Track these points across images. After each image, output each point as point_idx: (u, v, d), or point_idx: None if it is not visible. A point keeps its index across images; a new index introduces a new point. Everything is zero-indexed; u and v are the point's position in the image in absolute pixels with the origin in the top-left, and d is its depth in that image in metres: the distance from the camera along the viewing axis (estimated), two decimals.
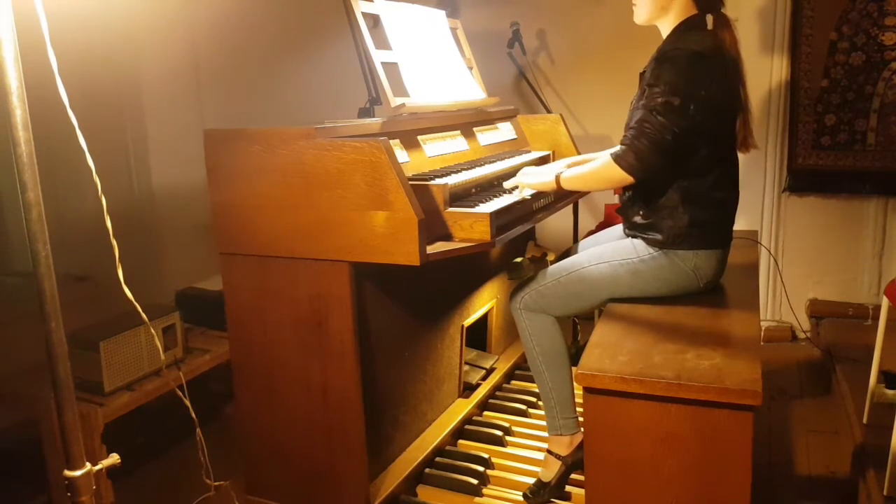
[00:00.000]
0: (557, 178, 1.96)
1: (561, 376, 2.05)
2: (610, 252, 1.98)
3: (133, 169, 3.24)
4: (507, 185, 2.13)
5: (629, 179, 1.80)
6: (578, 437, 2.05)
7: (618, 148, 1.83)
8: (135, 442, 2.53)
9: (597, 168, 1.87)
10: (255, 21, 3.51)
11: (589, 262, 1.97)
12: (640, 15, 1.91)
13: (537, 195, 2.14)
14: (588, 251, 2.05)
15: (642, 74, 1.89)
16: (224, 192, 1.92)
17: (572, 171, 1.96)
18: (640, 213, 1.93)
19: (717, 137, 1.85)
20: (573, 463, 2.05)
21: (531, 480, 2.13)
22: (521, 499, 2.07)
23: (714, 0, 1.86)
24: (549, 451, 2.10)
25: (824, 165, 3.33)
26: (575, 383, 1.63)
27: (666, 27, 1.90)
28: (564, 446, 2.06)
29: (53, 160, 2.70)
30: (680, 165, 1.82)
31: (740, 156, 1.96)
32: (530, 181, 2.04)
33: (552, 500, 2.05)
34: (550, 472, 2.07)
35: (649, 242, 1.92)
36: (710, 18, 1.89)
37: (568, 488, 2.09)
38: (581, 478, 1.95)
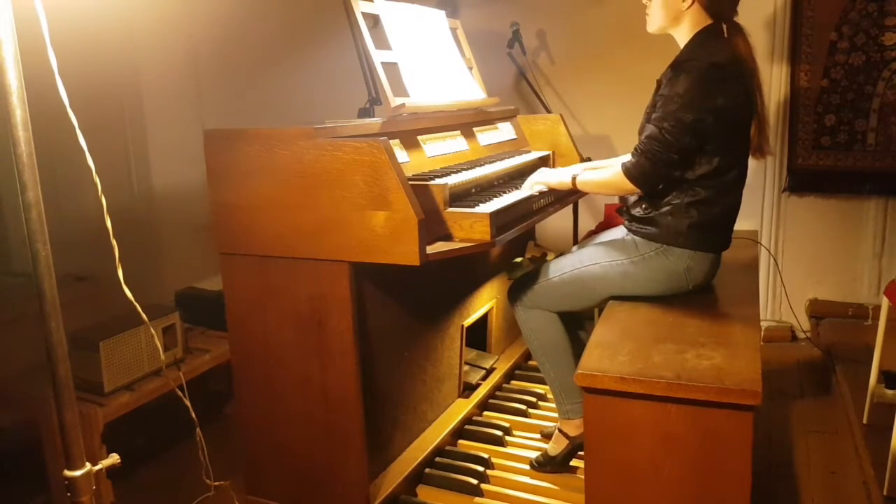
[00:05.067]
0: (574, 178, 2.07)
1: (562, 368, 2.13)
2: (603, 253, 2.02)
3: (133, 169, 3.24)
4: (526, 185, 2.22)
5: (638, 190, 1.92)
6: None
7: (629, 158, 1.89)
8: (135, 442, 2.53)
9: (610, 177, 1.96)
10: (255, 21, 3.51)
11: (582, 264, 2.03)
12: (653, 24, 1.93)
13: (538, 195, 2.16)
14: (583, 251, 2.09)
15: (658, 81, 1.90)
16: (224, 192, 1.92)
17: (588, 175, 2.07)
18: (643, 206, 1.96)
19: (734, 144, 1.87)
20: (581, 443, 2.09)
21: (531, 480, 2.14)
22: (521, 498, 2.07)
23: (727, 9, 1.87)
24: (559, 430, 2.19)
25: (824, 165, 3.33)
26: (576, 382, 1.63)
27: (681, 37, 1.91)
28: (573, 427, 2.15)
29: (53, 160, 2.71)
30: (690, 169, 1.85)
31: (755, 160, 1.98)
32: (547, 179, 2.16)
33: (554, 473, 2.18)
34: (558, 447, 2.18)
35: (646, 237, 1.95)
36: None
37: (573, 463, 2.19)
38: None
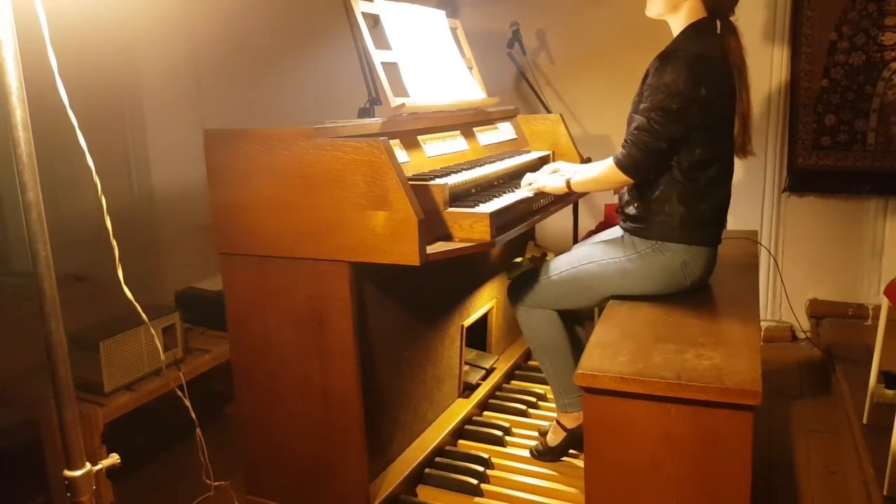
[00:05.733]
0: (568, 182, 2.09)
1: (560, 364, 2.18)
2: (600, 252, 2.03)
3: (133, 169, 3.24)
4: (523, 182, 2.22)
5: (630, 181, 1.93)
6: None
7: (620, 152, 1.91)
8: (135, 442, 2.53)
9: (602, 172, 1.98)
10: (255, 21, 3.51)
11: (580, 262, 2.05)
12: (652, 9, 1.96)
13: (538, 195, 2.17)
14: (581, 250, 2.11)
15: (646, 70, 1.90)
16: (224, 192, 1.92)
17: (580, 175, 2.08)
18: (635, 205, 1.98)
19: (716, 137, 1.89)
20: (579, 435, 2.16)
21: (531, 480, 2.15)
22: (521, 498, 2.07)
23: (724, 6, 1.88)
24: (557, 421, 2.26)
25: (824, 165, 3.33)
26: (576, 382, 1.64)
27: (676, 25, 1.93)
28: (571, 420, 2.21)
29: (53, 160, 2.71)
30: (678, 162, 1.87)
31: (738, 159, 1.99)
32: (543, 184, 2.16)
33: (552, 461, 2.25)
34: (556, 438, 2.24)
35: (641, 235, 1.96)
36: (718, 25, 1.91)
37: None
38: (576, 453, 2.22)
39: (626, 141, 1.89)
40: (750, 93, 1.91)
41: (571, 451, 2.23)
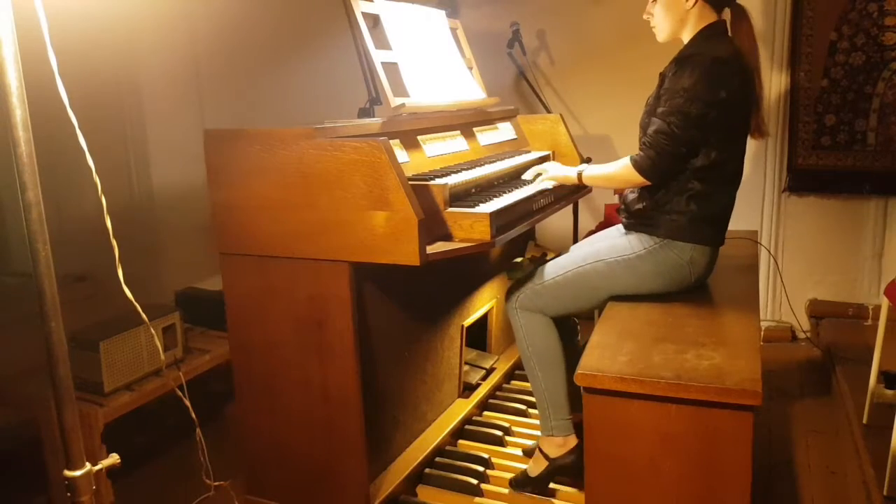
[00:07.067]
0: (579, 174, 2.10)
1: (554, 377, 2.05)
2: (606, 250, 2.00)
3: (133, 169, 3.24)
4: (528, 174, 2.25)
5: (646, 183, 1.91)
6: (572, 441, 2.05)
7: (637, 154, 1.90)
8: (135, 442, 2.53)
9: (617, 170, 1.97)
10: (255, 21, 3.51)
11: (586, 261, 2.01)
12: (662, 33, 1.96)
13: (538, 195, 2.16)
14: (584, 250, 2.07)
15: (662, 74, 1.91)
16: (224, 192, 1.92)
17: (593, 169, 2.08)
18: (644, 204, 1.96)
19: (730, 139, 1.89)
20: (562, 465, 2.05)
21: None
22: (521, 498, 2.07)
23: None
24: (539, 449, 2.09)
25: (824, 165, 3.33)
26: (575, 382, 1.63)
27: (686, 35, 1.94)
28: (555, 447, 2.06)
29: (53, 160, 2.70)
30: (691, 163, 1.87)
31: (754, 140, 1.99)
32: (554, 173, 2.19)
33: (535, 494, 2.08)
34: (538, 468, 2.08)
35: (648, 232, 1.95)
36: (728, 15, 1.92)
37: (553, 485, 2.10)
38: (567, 480, 2.08)
39: (643, 144, 1.88)
40: (761, 76, 1.92)
41: (560, 481, 2.09)
